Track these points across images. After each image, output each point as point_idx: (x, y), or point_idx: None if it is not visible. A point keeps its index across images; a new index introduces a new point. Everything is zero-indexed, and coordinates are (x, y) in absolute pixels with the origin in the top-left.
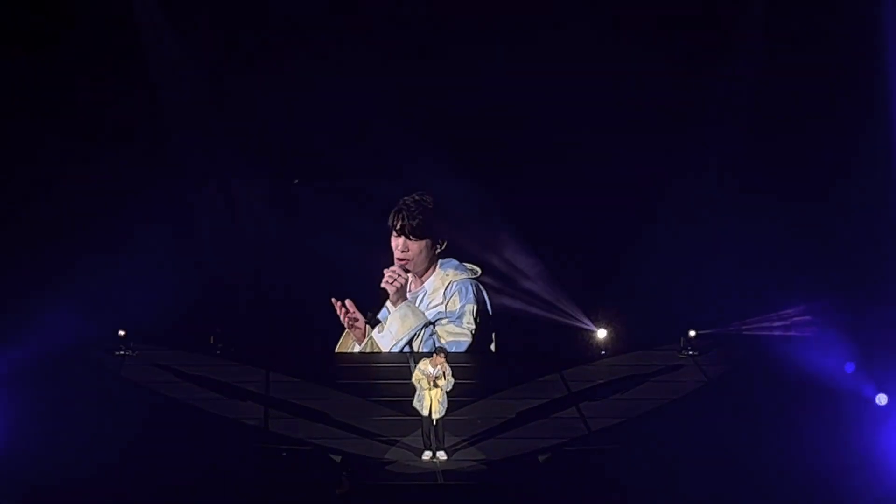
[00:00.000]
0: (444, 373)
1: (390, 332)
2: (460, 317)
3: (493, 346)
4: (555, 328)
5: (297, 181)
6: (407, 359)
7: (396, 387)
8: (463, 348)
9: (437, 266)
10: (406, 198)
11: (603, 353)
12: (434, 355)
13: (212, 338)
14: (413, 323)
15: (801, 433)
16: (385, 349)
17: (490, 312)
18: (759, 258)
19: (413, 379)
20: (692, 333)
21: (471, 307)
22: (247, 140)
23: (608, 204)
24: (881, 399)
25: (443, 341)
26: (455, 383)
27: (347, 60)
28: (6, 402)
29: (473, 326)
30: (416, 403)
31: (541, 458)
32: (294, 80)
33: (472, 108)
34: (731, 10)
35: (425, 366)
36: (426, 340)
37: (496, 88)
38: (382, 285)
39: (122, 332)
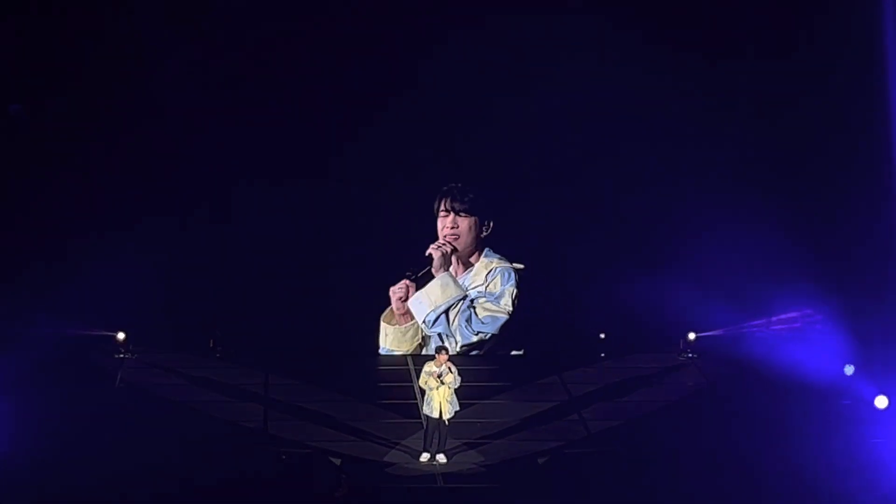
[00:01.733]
0: (449, 369)
1: (430, 298)
2: (499, 297)
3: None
4: (555, 330)
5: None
6: (407, 362)
7: (397, 389)
8: (499, 324)
9: (482, 255)
10: (451, 184)
11: (603, 355)
12: (437, 355)
13: (211, 340)
14: (453, 292)
15: (801, 435)
16: (420, 317)
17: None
18: (758, 261)
19: (420, 382)
20: (692, 336)
21: (511, 289)
22: (250, 141)
23: (610, 208)
24: (881, 401)
25: (479, 316)
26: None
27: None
28: (7, 405)
29: (511, 308)
30: (425, 408)
31: (540, 460)
32: (299, 75)
33: (487, 121)
34: (731, 14)
35: (430, 367)
36: (463, 312)
37: (506, 97)
38: (429, 251)
39: (121, 335)
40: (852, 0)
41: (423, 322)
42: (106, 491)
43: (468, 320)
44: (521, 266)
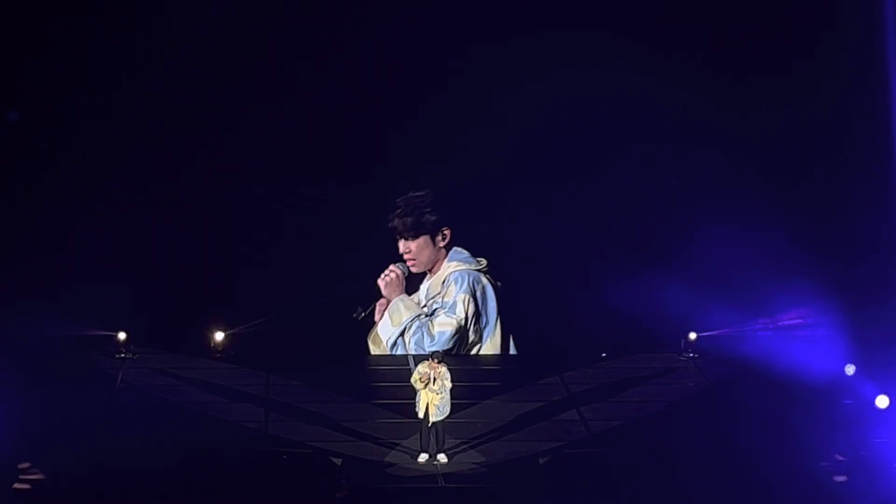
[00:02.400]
0: (434, 377)
1: (386, 325)
2: (452, 307)
3: (509, 345)
4: (555, 330)
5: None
6: (408, 361)
7: (397, 390)
8: (447, 336)
9: (447, 259)
10: (400, 199)
11: (604, 355)
12: (430, 359)
13: (213, 342)
14: (404, 316)
15: (801, 435)
16: (384, 339)
17: (494, 305)
18: (759, 261)
19: (412, 379)
20: (692, 336)
21: (463, 297)
22: (253, 143)
23: (611, 207)
24: (882, 401)
25: (434, 331)
26: (455, 386)
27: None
28: (7, 405)
29: (463, 316)
30: (417, 405)
31: (541, 460)
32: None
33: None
34: (732, 12)
35: (423, 367)
36: (415, 333)
37: (504, 95)
38: (378, 282)
39: (122, 335)
40: (855, 1)
41: (389, 348)
42: (106, 491)
43: (419, 342)
44: (484, 262)
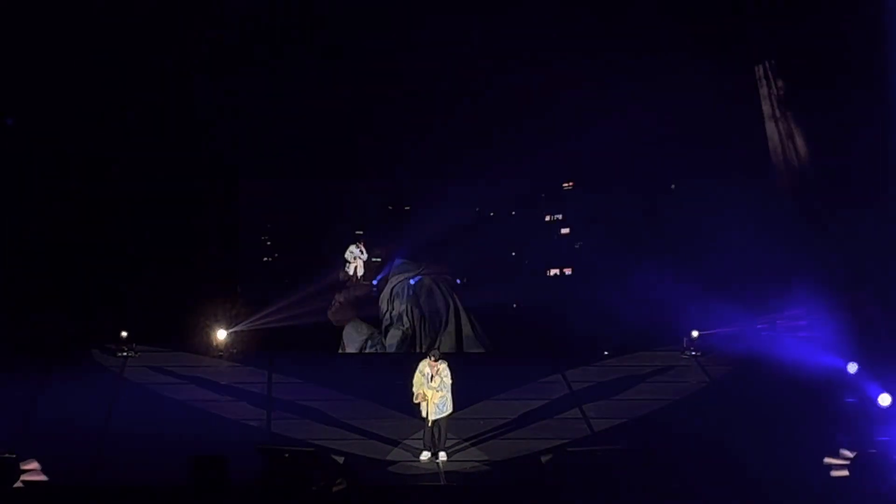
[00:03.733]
0: (433, 374)
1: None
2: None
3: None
4: (558, 329)
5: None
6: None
7: (398, 388)
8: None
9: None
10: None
11: (606, 353)
12: (428, 357)
13: (214, 340)
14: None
15: (803, 433)
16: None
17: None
18: (762, 259)
19: (414, 379)
20: (695, 334)
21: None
22: (255, 140)
23: (615, 207)
24: (884, 399)
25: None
26: (456, 384)
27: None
28: (9, 403)
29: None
30: (420, 405)
31: (543, 458)
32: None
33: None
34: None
35: (423, 366)
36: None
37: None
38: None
39: (124, 333)
40: (857, 8)
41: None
42: (106, 486)
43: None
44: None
